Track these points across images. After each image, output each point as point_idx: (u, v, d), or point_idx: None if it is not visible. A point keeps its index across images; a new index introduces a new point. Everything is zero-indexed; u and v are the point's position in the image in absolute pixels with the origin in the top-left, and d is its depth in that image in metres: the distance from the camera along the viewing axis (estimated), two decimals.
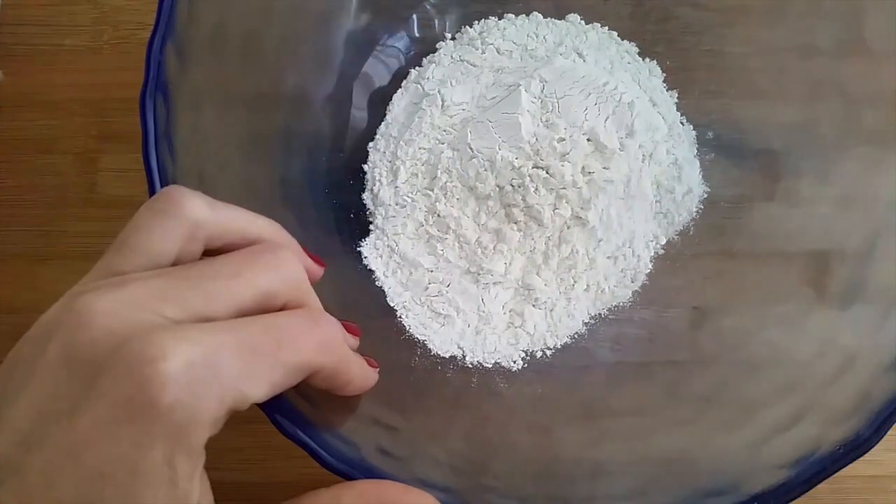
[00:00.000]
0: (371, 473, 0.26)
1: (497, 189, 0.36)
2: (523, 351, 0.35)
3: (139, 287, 0.22)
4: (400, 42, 0.39)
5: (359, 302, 0.35)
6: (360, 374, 0.27)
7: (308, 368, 0.23)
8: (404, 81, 0.39)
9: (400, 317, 0.35)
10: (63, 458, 0.20)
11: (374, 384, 0.28)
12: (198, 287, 0.22)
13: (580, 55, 0.38)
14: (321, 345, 0.24)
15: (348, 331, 0.28)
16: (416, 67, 0.39)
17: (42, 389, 0.20)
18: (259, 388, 0.22)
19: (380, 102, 0.39)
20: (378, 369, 0.29)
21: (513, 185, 0.35)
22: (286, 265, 0.24)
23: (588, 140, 0.35)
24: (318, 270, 0.28)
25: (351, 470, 0.26)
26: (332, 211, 0.37)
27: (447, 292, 0.36)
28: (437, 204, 0.36)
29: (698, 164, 0.38)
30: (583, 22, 0.40)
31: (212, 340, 0.21)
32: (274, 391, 0.22)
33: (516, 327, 0.35)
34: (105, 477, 0.20)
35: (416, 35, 0.40)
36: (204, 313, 0.22)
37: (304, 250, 0.27)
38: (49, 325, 0.21)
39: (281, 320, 0.23)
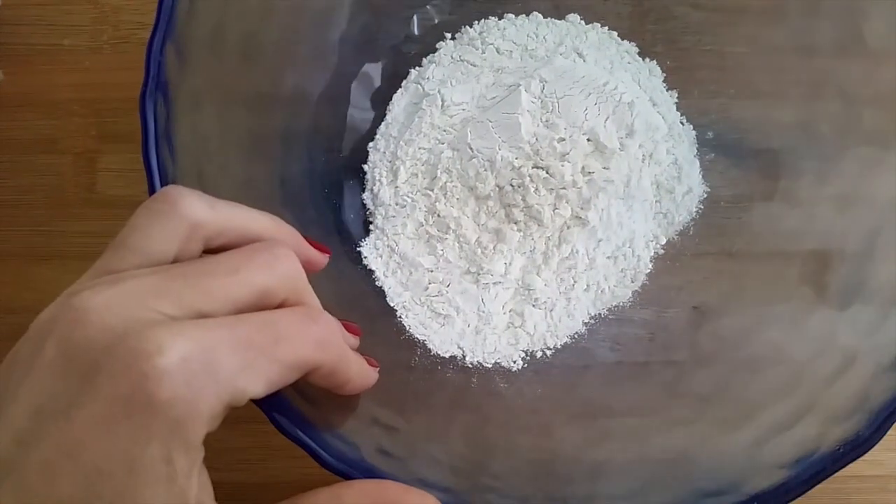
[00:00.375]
0: (371, 473, 0.26)
1: (497, 189, 0.36)
2: (523, 351, 0.35)
3: (135, 284, 0.22)
4: (400, 42, 0.39)
5: (359, 302, 0.35)
6: (360, 372, 0.27)
7: (305, 366, 0.23)
8: (404, 81, 0.39)
9: (400, 317, 0.35)
10: (61, 456, 0.20)
11: (373, 383, 0.28)
12: (195, 284, 0.22)
13: (580, 55, 0.38)
14: (318, 342, 0.24)
15: (348, 330, 0.28)
16: (416, 67, 0.39)
17: (40, 387, 0.20)
18: (256, 385, 0.22)
19: (380, 102, 0.39)
20: (378, 369, 0.29)
21: (513, 185, 0.35)
22: (284, 263, 0.24)
23: (588, 140, 0.35)
24: (322, 259, 0.28)
25: (351, 470, 0.26)
26: (332, 211, 0.37)
27: (447, 292, 0.36)
28: (437, 204, 0.36)
29: (698, 163, 0.38)
30: (583, 22, 0.39)
31: (208, 336, 0.21)
32: (271, 388, 0.22)
33: (516, 327, 0.35)
34: (103, 474, 0.20)
35: (416, 35, 0.39)
36: (201, 310, 0.22)
37: (307, 239, 0.27)
38: (46, 324, 0.21)
39: (278, 317, 0.23)
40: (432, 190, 0.36)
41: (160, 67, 0.28)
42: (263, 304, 0.23)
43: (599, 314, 0.36)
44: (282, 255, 0.24)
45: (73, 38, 0.41)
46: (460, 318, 0.35)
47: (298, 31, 0.36)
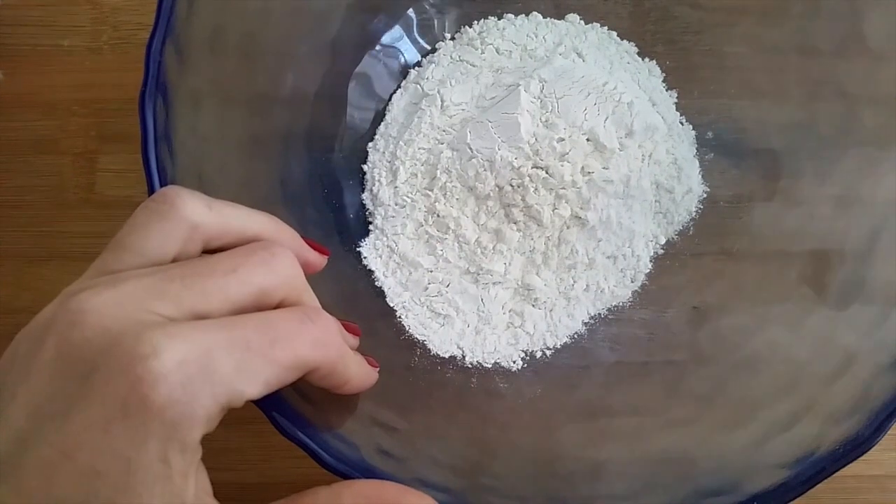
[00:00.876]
0: (371, 474, 0.26)
1: (496, 189, 0.36)
2: (523, 351, 0.35)
3: (133, 285, 0.22)
4: (399, 42, 0.39)
5: (358, 302, 0.35)
6: (359, 372, 0.27)
7: (304, 366, 0.23)
8: (404, 81, 0.39)
9: (399, 317, 0.35)
10: (59, 456, 0.20)
11: (373, 383, 0.28)
12: (192, 285, 0.22)
13: (579, 55, 0.38)
14: (316, 343, 0.23)
15: (348, 330, 0.28)
16: (416, 67, 0.39)
17: (38, 388, 0.21)
18: (253, 386, 0.22)
19: (379, 102, 0.39)
20: (378, 369, 0.29)
21: (512, 185, 0.35)
22: (281, 262, 0.24)
23: (587, 140, 0.35)
24: (320, 261, 0.28)
25: (351, 470, 0.26)
26: (332, 211, 0.37)
27: (447, 292, 0.36)
28: (437, 204, 0.36)
29: (698, 163, 0.38)
30: (582, 22, 0.40)
31: (205, 338, 0.21)
32: (269, 389, 0.22)
33: (516, 327, 0.35)
34: (100, 474, 0.20)
35: (416, 35, 0.39)
36: (198, 311, 0.22)
37: (306, 240, 0.27)
38: (45, 324, 0.21)
39: (276, 318, 0.23)
40: (432, 190, 0.36)
41: (160, 68, 0.28)
42: (262, 304, 0.23)
43: (599, 314, 0.36)
44: (279, 255, 0.24)
45: (72, 38, 0.41)
46: (460, 318, 0.35)
47: (298, 32, 0.36)
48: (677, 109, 0.38)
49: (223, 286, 0.22)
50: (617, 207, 0.36)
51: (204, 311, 0.22)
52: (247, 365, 0.21)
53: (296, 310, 0.24)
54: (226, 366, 0.21)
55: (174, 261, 0.23)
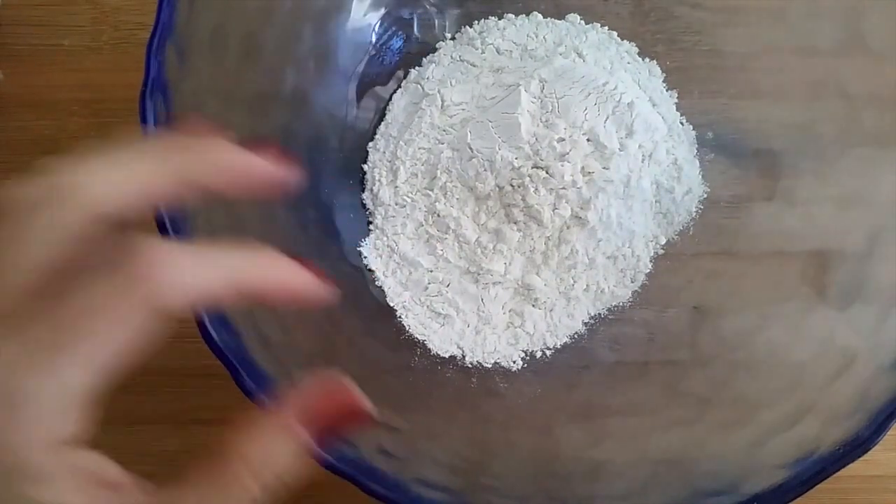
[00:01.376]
0: (371, 473, 0.26)
1: (497, 189, 0.36)
2: (523, 351, 0.35)
3: None
4: (399, 42, 0.39)
5: (358, 302, 0.35)
6: (274, 274, 0.22)
7: (143, 325, 0.19)
8: (404, 81, 0.39)
9: (400, 317, 0.35)
10: None
11: (319, 293, 0.23)
12: None
13: (580, 55, 0.38)
14: (147, 300, 0.19)
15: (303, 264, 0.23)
16: (416, 67, 0.39)
17: None
18: (81, 378, 0.18)
19: (379, 102, 0.39)
20: (329, 289, 0.23)
21: (512, 185, 0.35)
22: (78, 184, 0.19)
23: (588, 140, 0.35)
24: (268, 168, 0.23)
25: (351, 470, 0.26)
26: (332, 211, 0.37)
27: (447, 292, 0.36)
28: (437, 204, 0.36)
29: (698, 164, 0.38)
30: (582, 22, 0.39)
31: None
32: (106, 370, 0.19)
33: (516, 327, 0.35)
34: None
35: (416, 35, 0.39)
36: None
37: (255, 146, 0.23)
38: None
39: (77, 301, 0.19)
40: (432, 190, 0.36)
41: (160, 67, 0.28)
42: (87, 242, 0.19)
43: (599, 314, 0.36)
44: (77, 176, 0.19)
45: (73, 38, 0.41)
46: (460, 318, 0.35)
47: (298, 32, 0.36)
48: (677, 109, 0.38)
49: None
50: (617, 207, 0.36)
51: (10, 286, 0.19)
52: (55, 369, 0.18)
53: (114, 274, 0.19)
54: (28, 385, 0.18)
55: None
